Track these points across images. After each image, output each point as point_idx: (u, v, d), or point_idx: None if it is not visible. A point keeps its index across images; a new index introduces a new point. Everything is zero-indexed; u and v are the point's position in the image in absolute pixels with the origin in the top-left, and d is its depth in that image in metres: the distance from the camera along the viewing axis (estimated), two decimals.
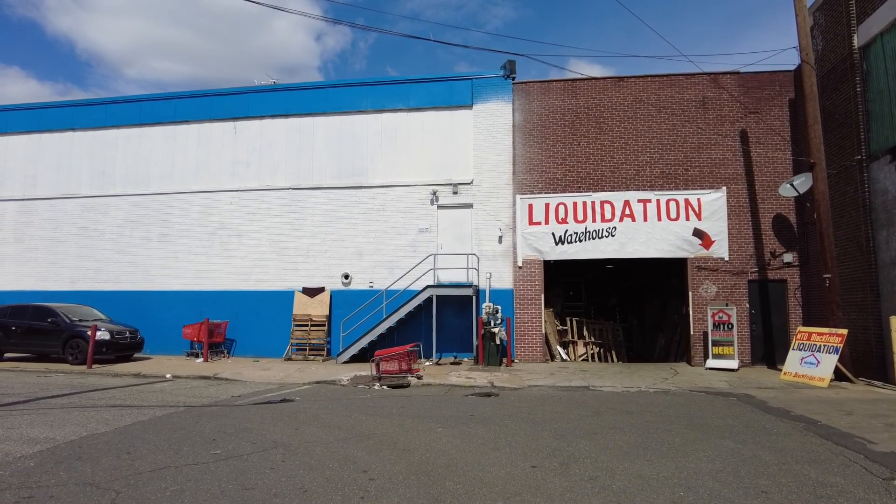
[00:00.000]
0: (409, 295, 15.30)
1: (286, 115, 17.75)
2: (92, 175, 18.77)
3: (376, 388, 11.63)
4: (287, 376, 13.17)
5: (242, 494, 4.68)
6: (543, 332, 15.81)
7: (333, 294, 16.67)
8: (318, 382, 12.33)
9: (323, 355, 16.28)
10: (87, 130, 18.94)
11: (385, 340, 15.82)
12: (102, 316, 16.49)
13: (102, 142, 18.82)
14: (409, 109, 16.92)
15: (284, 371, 13.99)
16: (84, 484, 4.91)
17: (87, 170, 18.82)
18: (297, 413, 8.47)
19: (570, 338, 17.50)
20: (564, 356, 16.67)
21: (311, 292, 16.77)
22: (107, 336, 14.94)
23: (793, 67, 15.40)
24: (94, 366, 14.28)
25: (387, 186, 16.67)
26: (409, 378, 12.07)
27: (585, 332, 17.79)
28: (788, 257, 14.80)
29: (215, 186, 17.97)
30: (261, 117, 17.91)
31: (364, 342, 15.19)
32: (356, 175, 16.97)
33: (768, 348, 14.82)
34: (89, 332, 14.38)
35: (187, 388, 11.35)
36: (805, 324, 14.16)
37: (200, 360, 16.07)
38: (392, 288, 15.76)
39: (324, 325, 16.43)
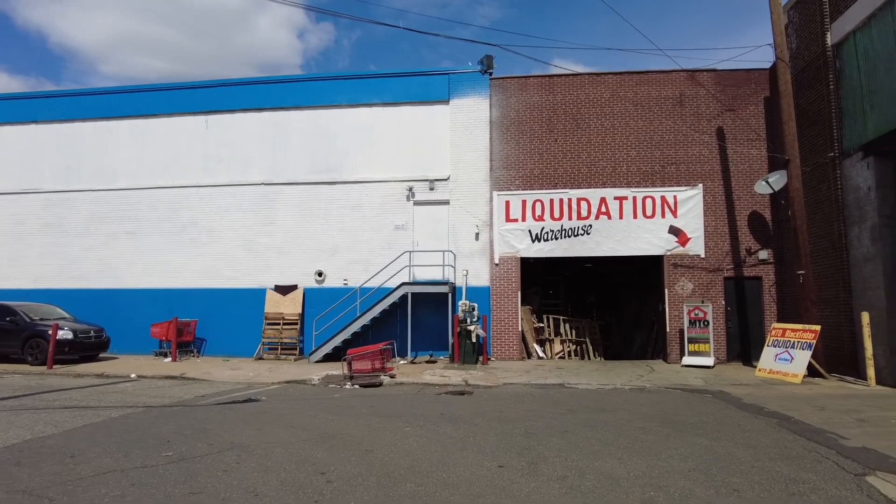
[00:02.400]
0: (384, 293, 15.01)
1: (260, 110, 17.33)
2: (56, 169, 18.13)
3: (347, 387, 11.34)
4: (256, 376, 12.82)
5: (188, 499, 4.39)
6: (520, 329, 15.65)
7: (306, 292, 16.31)
8: (287, 382, 11.99)
9: (295, 354, 15.92)
10: (51, 123, 18.28)
11: (359, 339, 15.51)
12: (66, 314, 15.92)
13: (68, 135, 18.19)
14: (385, 104, 16.64)
15: (254, 370, 13.62)
16: (16, 491, 4.57)
17: (51, 164, 18.17)
18: (262, 413, 8.15)
19: (548, 335, 17.38)
20: (541, 354, 16.54)
21: (284, 290, 16.39)
22: (69, 335, 14.40)
23: (768, 66, 15.46)
24: (55, 366, 13.74)
25: (362, 182, 16.36)
26: (382, 377, 11.80)
27: (563, 330, 17.68)
28: (764, 254, 14.84)
29: (186, 182, 17.47)
30: (233, 111, 17.46)
31: (337, 341, 14.88)
32: (331, 170, 16.63)
33: (744, 345, 14.85)
34: (50, 332, 13.84)
35: (151, 388, 10.94)
36: (780, 321, 14.19)
37: (169, 359, 15.60)
38: (366, 286, 15.46)
39: (296, 323, 16.06)
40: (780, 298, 14.70)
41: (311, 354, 15.10)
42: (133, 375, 12.76)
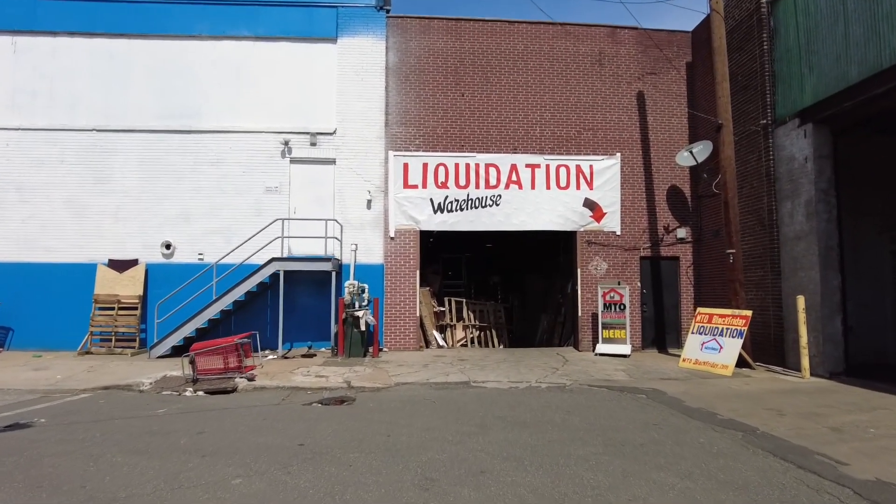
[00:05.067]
0: (250, 270, 12.07)
1: (91, 35, 13.43)
2: None
3: (188, 394, 8.50)
4: (66, 379, 9.53)
5: None
6: (418, 314, 13.40)
7: (150, 268, 12.92)
8: (106, 388, 8.90)
9: (134, 347, 12.55)
10: None
11: (219, 328, 12.54)
12: None
13: None
14: (258, 38, 13.47)
15: (68, 371, 10.26)
16: None
17: None
18: (5, 457, 5.19)
19: (449, 321, 15.31)
20: (441, 342, 14.44)
21: (121, 266, 12.89)
22: None
23: (690, 29, 14.25)
24: None
25: (225, 132, 13.13)
26: (237, 379, 9.04)
27: (465, 315, 15.70)
28: (682, 233, 13.67)
29: None
30: (54, 33, 13.41)
31: (188, 330, 11.77)
32: (185, 117, 13.24)
33: (659, 331, 13.66)
34: None
35: None
36: (697, 304, 13.12)
37: None
38: (226, 261, 12.35)
39: (136, 308, 12.67)
40: (697, 280, 13.64)
41: (152, 348, 11.86)
42: None
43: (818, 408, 7.25)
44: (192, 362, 9.06)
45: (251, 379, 9.13)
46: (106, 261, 12.96)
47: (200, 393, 8.56)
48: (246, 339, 9.64)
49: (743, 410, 7.07)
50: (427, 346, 13.92)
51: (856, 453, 5.27)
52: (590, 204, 13.71)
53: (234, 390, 8.68)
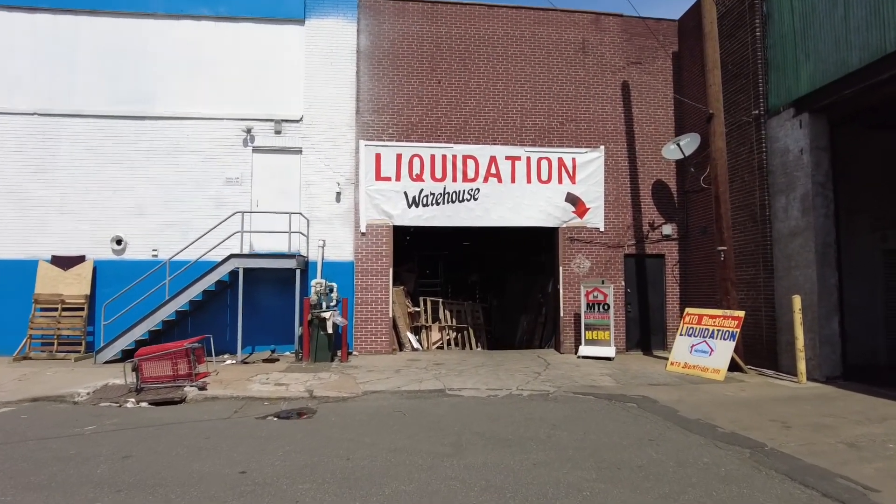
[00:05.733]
0: (208, 267, 11.10)
1: (31, 9, 12.29)
2: None
3: (130, 405, 7.58)
4: None
5: None
6: (391, 315, 12.59)
7: (98, 266, 11.84)
8: (35, 400, 7.91)
9: (79, 351, 11.48)
10: None
11: (175, 330, 11.57)
12: None
13: None
14: (219, 18, 12.49)
15: None
16: None
17: None
18: None
19: (424, 321, 14.51)
20: (416, 345, 13.63)
21: (66, 263, 11.80)
22: None
23: (677, 17, 13.68)
24: None
25: (182, 118, 12.12)
26: (187, 388, 8.12)
27: (442, 315, 14.91)
28: (668, 229, 13.09)
29: None
30: None
31: (139, 332, 10.77)
32: (139, 101, 12.20)
33: (644, 332, 13.06)
34: None
35: None
36: (683, 303, 12.56)
37: None
38: (181, 258, 11.33)
39: (82, 308, 11.60)
40: (682, 279, 13.07)
41: (99, 352, 10.83)
42: None
43: (825, 418, 6.65)
44: (135, 369, 8.12)
45: (203, 388, 8.21)
46: (49, 257, 11.86)
47: (144, 404, 7.64)
48: (198, 344, 8.70)
49: (744, 422, 6.42)
50: (401, 349, 13.10)
51: (882, 475, 4.63)
52: (572, 199, 13.06)
53: (182, 401, 7.78)
